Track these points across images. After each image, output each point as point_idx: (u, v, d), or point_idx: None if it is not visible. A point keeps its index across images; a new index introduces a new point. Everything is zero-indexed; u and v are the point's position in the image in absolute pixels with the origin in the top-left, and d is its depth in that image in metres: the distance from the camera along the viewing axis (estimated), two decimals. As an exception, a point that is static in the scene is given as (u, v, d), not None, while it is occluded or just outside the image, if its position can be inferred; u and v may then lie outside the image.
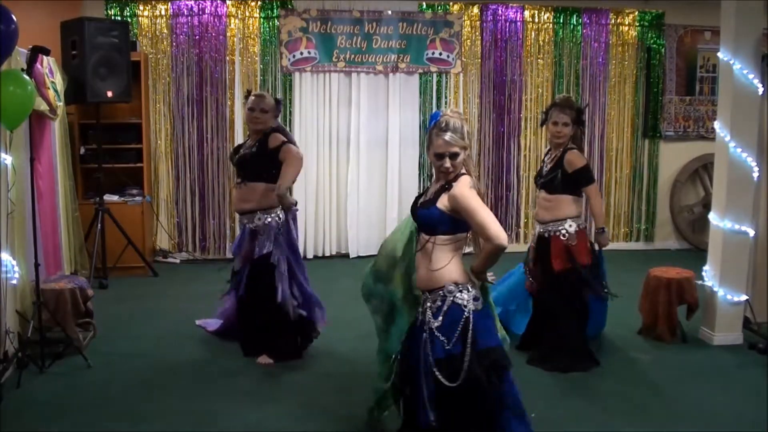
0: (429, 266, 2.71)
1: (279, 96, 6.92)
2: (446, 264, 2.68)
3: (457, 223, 2.69)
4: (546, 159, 4.41)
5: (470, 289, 2.70)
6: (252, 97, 4.31)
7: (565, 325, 4.19)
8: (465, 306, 2.67)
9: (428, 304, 2.73)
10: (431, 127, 2.73)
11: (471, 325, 2.65)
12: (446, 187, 2.69)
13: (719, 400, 3.87)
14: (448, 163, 2.68)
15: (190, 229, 7.12)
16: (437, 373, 2.65)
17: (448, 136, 2.66)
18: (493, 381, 2.68)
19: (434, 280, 2.71)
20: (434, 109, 7.24)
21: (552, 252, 4.19)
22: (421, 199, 2.83)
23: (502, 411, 2.73)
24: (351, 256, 7.30)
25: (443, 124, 2.68)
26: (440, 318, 2.68)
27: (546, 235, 4.26)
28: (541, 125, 4.55)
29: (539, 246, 4.32)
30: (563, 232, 4.17)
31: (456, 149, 2.66)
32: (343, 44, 7.07)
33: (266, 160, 4.19)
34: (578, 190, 4.26)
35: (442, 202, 2.68)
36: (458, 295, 2.68)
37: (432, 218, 2.70)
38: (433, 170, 2.81)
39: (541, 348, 4.33)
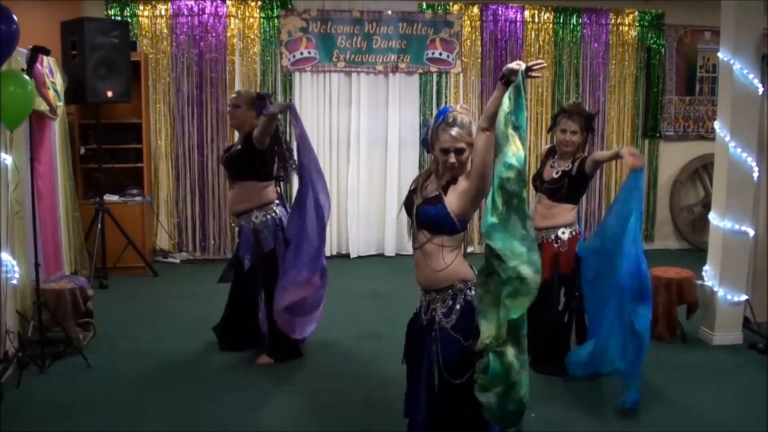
0: (432, 267, 2.68)
1: (278, 94, 6.94)
2: (451, 263, 2.66)
3: (461, 222, 2.67)
4: (550, 162, 4.26)
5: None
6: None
7: (551, 331, 4.12)
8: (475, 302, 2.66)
9: (438, 304, 2.71)
10: (438, 122, 2.68)
11: None
12: (452, 183, 2.67)
13: (719, 400, 3.87)
14: (453, 158, 2.63)
15: (190, 229, 7.12)
16: (449, 371, 2.64)
17: (454, 131, 2.61)
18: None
19: (441, 280, 2.68)
20: (434, 109, 7.24)
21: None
22: (417, 196, 2.76)
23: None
24: (351, 257, 7.30)
25: (450, 120, 2.64)
26: (453, 317, 2.67)
27: (539, 240, 4.23)
28: (548, 131, 4.49)
29: None
30: (556, 238, 4.12)
31: (462, 145, 2.62)
32: (343, 44, 7.07)
33: (253, 157, 4.13)
34: (578, 198, 4.20)
35: (450, 200, 2.63)
36: (468, 292, 2.67)
37: (438, 217, 2.65)
38: (434, 166, 2.76)
39: (534, 352, 4.31)
